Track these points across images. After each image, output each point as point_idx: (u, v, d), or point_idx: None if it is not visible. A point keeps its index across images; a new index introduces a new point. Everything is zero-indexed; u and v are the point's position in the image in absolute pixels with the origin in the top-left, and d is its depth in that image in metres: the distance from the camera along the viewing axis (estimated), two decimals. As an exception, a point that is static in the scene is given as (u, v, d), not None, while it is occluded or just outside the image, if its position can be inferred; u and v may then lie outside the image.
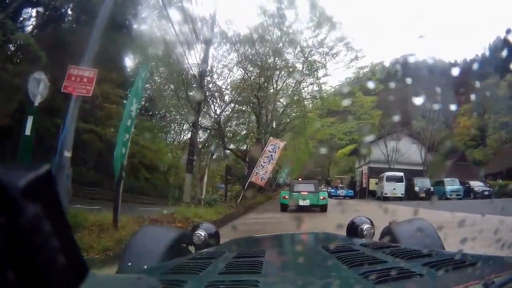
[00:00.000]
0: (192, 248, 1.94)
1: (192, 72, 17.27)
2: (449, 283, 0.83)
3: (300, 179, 20.34)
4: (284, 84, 23.47)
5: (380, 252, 1.16)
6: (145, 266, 1.39)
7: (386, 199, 24.64)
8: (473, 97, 35.67)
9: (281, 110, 23.32)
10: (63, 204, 0.41)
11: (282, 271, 1.16)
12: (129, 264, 1.53)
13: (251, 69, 19.90)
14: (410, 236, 1.61)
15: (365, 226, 1.97)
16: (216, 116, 18.97)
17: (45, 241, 0.35)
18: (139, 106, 9.83)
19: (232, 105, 19.91)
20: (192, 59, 17.11)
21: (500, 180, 27.64)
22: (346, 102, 25.72)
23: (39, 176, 0.36)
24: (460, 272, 0.87)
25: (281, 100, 23.34)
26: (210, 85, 18.87)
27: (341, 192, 32.09)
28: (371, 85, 24.76)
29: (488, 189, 23.41)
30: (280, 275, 1.08)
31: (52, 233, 0.36)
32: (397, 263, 0.99)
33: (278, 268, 1.22)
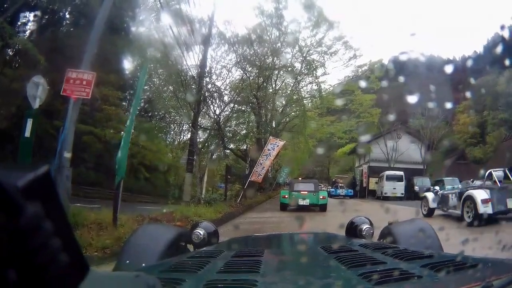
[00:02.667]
0: (191, 247, 1.95)
1: (191, 73, 17.27)
2: (449, 285, 0.83)
3: (300, 179, 20.33)
4: (283, 83, 23.48)
5: (380, 253, 1.16)
6: (144, 264, 1.40)
7: (386, 198, 24.59)
8: (472, 93, 35.63)
9: (281, 109, 23.31)
10: (63, 203, 0.42)
11: (280, 271, 1.17)
12: (127, 261, 1.53)
13: (249, 69, 19.87)
14: (409, 236, 1.62)
15: (365, 226, 1.98)
16: (215, 116, 18.94)
17: (46, 240, 0.36)
18: (138, 107, 9.87)
19: (232, 105, 19.88)
20: (191, 60, 17.12)
21: (500, 179, 27.51)
22: (345, 101, 25.75)
23: (39, 176, 0.37)
24: (460, 274, 0.88)
25: (280, 99, 23.33)
26: (209, 86, 18.86)
27: (341, 191, 32.01)
28: (370, 83, 24.81)
29: (488, 188, 23.24)
30: (279, 275, 1.09)
31: (53, 232, 0.37)
32: (397, 264, 0.99)
33: (277, 268, 1.22)
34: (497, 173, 9.44)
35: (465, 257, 1.00)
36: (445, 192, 10.86)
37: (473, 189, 9.27)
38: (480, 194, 8.59)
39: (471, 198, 8.78)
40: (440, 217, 10.59)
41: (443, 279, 0.84)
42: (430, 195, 11.43)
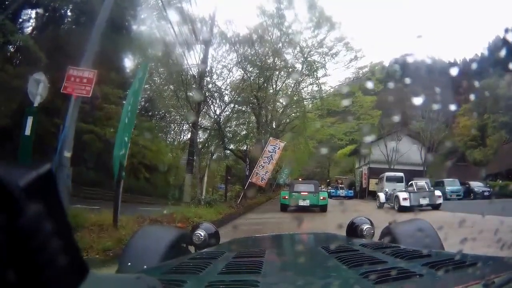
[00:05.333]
0: (192, 248, 1.94)
1: (191, 73, 17.30)
2: (449, 284, 0.83)
3: (300, 179, 20.34)
4: (284, 84, 23.51)
5: (380, 253, 1.16)
6: (145, 266, 1.39)
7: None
8: (472, 96, 35.65)
9: (281, 110, 23.34)
10: (64, 203, 0.41)
11: (282, 271, 1.16)
12: (129, 264, 1.53)
13: (250, 69, 19.90)
14: (410, 236, 1.61)
15: (365, 227, 1.97)
16: (216, 117, 18.97)
17: (46, 241, 0.35)
18: (139, 107, 9.84)
19: (232, 105, 19.92)
20: (192, 59, 17.14)
21: (500, 181, 27.56)
22: (345, 102, 25.79)
23: (40, 175, 0.36)
24: (460, 273, 0.87)
25: (280, 100, 23.37)
26: (210, 86, 18.89)
27: (341, 192, 32.07)
28: (370, 85, 24.83)
29: (488, 189, 23.30)
30: (280, 275, 1.08)
31: (53, 233, 0.36)
32: (397, 263, 0.98)
33: (278, 268, 1.22)
34: (420, 182, 15.60)
35: (465, 255, 0.99)
36: (390, 193, 16.47)
37: (400, 191, 15.05)
38: (402, 195, 14.49)
39: (397, 197, 14.59)
40: (386, 208, 16.02)
41: (444, 278, 0.84)
42: (381, 195, 17.17)
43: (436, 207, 14.20)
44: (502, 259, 0.97)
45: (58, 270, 0.37)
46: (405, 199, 14.13)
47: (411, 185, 15.43)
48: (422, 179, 27.16)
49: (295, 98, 22.54)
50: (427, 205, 14.21)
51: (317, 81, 22.50)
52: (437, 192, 14.78)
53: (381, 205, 16.69)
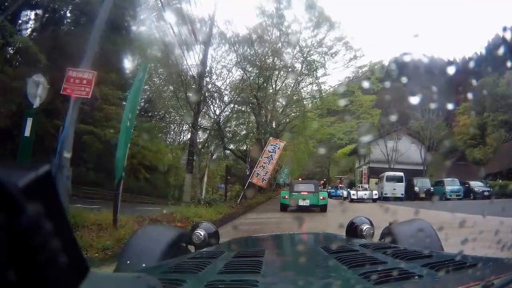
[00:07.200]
0: (191, 248, 1.93)
1: (191, 73, 17.28)
2: (449, 285, 0.83)
3: (300, 179, 20.34)
4: (283, 84, 23.50)
5: (380, 253, 1.16)
6: (144, 265, 1.39)
7: (386, 199, 24.60)
8: (472, 95, 35.69)
9: (281, 110, 23.31)
10: (63, 203, 0.42)
11: (281, 271, 1.16)
12: (128, 262, 1.52)
13: (250, 69, 19.88)
14: (410, 236, 1.61)
15: (365, 227, 1.97)
16: (215, 117, 18.95)
17: (45, 241, 0.36)
18: (138, 107, 9.84)
19: (232, 105, 19.90)
20: (191, 60, 17.12)
21: (500, 180, 27.53)
22: (345, 102, 25.77)
23: (39, 176, 0.36)
24: (460, 274, 0.87)
25: (280, 100, 23.35)
26: (209, 86, 18.86)
27: (341, 192, 32.10)
28: (370, 84, 24.82)
29: (488, 189, 23.24)
30: (279, 275, 1.09)
31: (53, 233, 0.36)
32: (397, 264, 0.98)
33: (278, 268, 1.22)
34: (364, 185, 28.14)
35: (465, 256, 0.99)
36: (349, 191, 25.76)
37: (352, 190, 25.47)
38: (352, 192, 24.63)
39: (350, 193, 24.67)
40: (346, 201, 24.34)
41: (444, 279, 0.84)
42: (345, 192, 26.89)
43: (374, 200, 23.00)
44: (502, 260, 0.97)
45: (58, 269, 0.37)
46: (353, 194, 23.88)
47: (359, 187, 26.91)
48: (422, 178, 27.36)
49: (294, 97, 22.53)
50: (368, 198, 23.21)
51: (316, 81, 22.53)
52: (375, 191, 24.31)
53: (344, 199, 26.20)
